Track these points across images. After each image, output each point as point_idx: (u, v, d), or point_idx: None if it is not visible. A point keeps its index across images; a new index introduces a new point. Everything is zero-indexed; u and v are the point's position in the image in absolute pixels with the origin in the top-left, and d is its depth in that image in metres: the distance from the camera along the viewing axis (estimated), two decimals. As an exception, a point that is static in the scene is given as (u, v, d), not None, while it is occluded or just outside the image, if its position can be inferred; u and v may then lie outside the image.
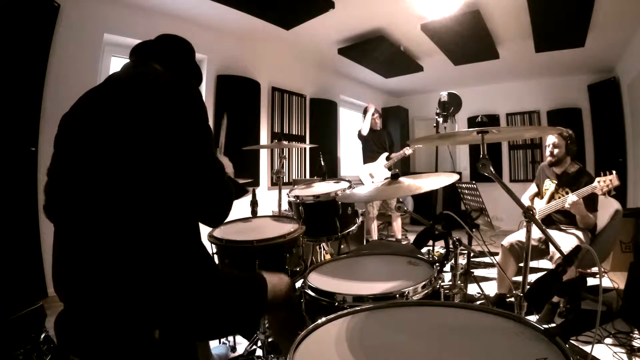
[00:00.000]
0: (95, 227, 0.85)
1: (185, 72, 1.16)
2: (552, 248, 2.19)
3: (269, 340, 1.76)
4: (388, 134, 4.86)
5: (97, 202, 0.85)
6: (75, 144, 0.91)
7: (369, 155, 4.58)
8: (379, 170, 4.48)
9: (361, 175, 4.62)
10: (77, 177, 0.88)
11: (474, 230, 1.54)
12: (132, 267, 0.83)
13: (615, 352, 1.82)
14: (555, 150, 2.36)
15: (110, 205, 0.84)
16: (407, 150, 4.35)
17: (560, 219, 2.39)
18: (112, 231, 0.84)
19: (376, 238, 4.48)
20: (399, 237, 4.58)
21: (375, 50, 4.39)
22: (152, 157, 0.85)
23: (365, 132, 4.55)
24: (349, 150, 6.26)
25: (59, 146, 0.95)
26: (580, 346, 1.89)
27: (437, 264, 1.24)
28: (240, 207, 2.61)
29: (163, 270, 0.86)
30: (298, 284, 1.41)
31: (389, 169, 4.48)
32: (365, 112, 4.63)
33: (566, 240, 2.16)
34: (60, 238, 0.90)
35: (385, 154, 4.51)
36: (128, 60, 1.11)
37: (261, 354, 1.82)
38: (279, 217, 1.97)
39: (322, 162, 2.50)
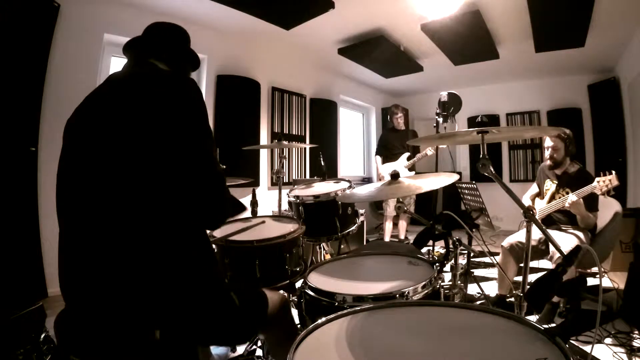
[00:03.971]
0: (97, 228, 0.85)
1: (184, 61, 1.15)
2: (552, 248, 2.19)
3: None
4: (413, 134, 4.84)
5: (100, 204, 0.85)
6: (80, 147, 0.91)
7: (390, 155, 4.57)
8: (399, 170, 4.46)
9: (382, 173, 4.62)
10: (82, 180, 0.88)
11: (474, 230, 1.55)
12: (133, 267, 0.83)
13: (615, 352, 1.82)
14: (555, 154, 2.35)
15: (114, 208, 0.84)
16: (429, 151, 4.23)
17: (561, 218, 2.39)
18: (114, 232, 0.84)
19: (388, 239, 4.46)
20: (402, 237, 4.58)
21: (375, 50, 4.39)
22: (154, 160, 0.85)
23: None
24: (349, 150, 6.26)
25: (66, 151, 0.95)
26: (580, 346, 1.89)
27: (437, 264, 1.24)
28: (240, 207, 2.59)
29: (163, 270, 0.86)
30: (298, 284, 1.41)
31: (410, 169, 4.46)
32: (391, 113, 4.62)
33: (566, 240, 2.16)
34: (65, 238, 0.90)
35: (407, 154, 4.49)
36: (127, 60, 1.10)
37: (261, 354, 1.82)
38: (279, 217, 1.96)
39: (322, 162, 2.49)
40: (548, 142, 2.39)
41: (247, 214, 2.00)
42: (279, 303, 1.13)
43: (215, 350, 1.91)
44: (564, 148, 2.33)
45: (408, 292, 1.05)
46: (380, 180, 4.42)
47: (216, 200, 0.95)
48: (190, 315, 0.89)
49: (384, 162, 4.62)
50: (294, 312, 1.31)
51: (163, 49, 1.10)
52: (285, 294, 1.25)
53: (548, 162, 2.42)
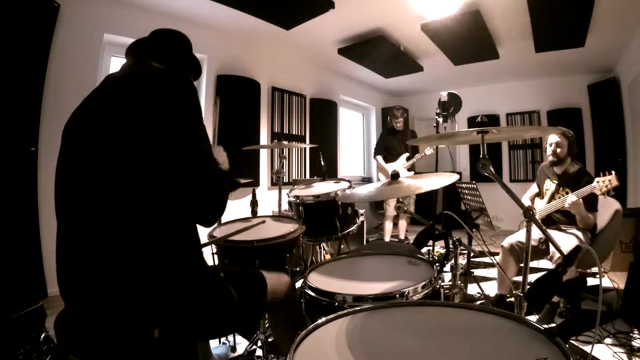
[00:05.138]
0: (95, 227, 0.85)
1: (184, 66, 1.16)
2: (552, 248, 2.19)
3: (269, 340, 1.77)
4: (412, 134, 4.83)
5: (97, 204, 0.85)
6: (77, 148, 0.91)
7: (389, 156, 4.56)
8: (398, 170, 4.45)
9: (381, 175, 4.61)
10: (79, 179, 0.88)
11: (474, 230, 1.55)
12: (132, 266, 0.83)
13: (615, 352, 1.82)
14: (558, 150, 2.34)
15: (111, 207, 0.84)
16: (428, 151, 4.23)
17: (561, 219, 2.39)
18: (113, 231, 0.84)
19: (388, 239, 4.46)
20: (402, 237, 4.58)
21: (375, 50, 4.39)
22: (151, 159, 0.86)
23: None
24: (349, 150, 6.26)
25: (63, 151, 0.95)
26: (580, 346, 1.89)
27: (437, 264, 1.24)
28: (240, 207, 2.61)
29: (162, 269, 0.86)
30: (298, 284, 1.41)
31: (409, 169, 4.46)
32: (392, 115, 4.59)
33: (566, 240, 2.16)
34: (63, 237, 0.90)
35: (406, 155, 4.48)
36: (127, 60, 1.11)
37: (261, 354, 1.83)
38: (279, 217, 1.96)
39: (322, 162, 2.49)
40: (552, 138, 2.37)
41: (247, 214, 2.01)
42: (281, 285, 1.14)
43: (216, 350, 1.91)
44: (568, 146, 2.33)
45: (408, 292, 1.05)
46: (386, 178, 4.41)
47: (211, 197, 0.95)
48: (189, 312, 0.89)
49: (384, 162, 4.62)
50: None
51: (162, 52, 1.10)
52: (289, 278, 1.26)
53: (550, 159, 2.41)
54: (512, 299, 1.62)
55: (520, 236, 2.36)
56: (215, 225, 1.71)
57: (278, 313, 1.19)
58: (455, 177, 1.23)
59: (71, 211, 0.90)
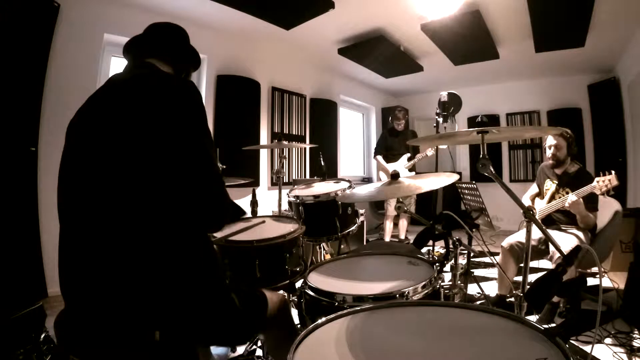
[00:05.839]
0: (98, 228, 0.85)
1: (183, 59, 1.16)
2: (552, 248, 2.19)
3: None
4: (413, 134, 4.84)
5: (101, 205, 0.85)
6: (82, 148, 0.91)
7: (390, 156, 4.56)
8: (400, 170, 4.45)
9: (382, 174, 4.62)
10: (83, 180, 0.88)
11: (474, 230, 1.54)
12: (134, 268, 0.83)
13: (615, 352, 1.82)
14: (557, 152, 2.35)
15: (114, 209, 0.84)
16: (429, 152, 4.22)
17: (561, 218, 2.39)
18: (115, 232, 0.84)
19: (388, 239, 4.46)
20: (403, 237, 4.58)
21: (375, 50, 4.39)
22: (154, 162, 0.85)
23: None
24: (349, 150, 6.26)
25: (67, 151, 0.95)
26: (580, 346, 1.89)
27: (437, 264, 1.24)
28: (240, 207, 2.57)
29: (165, 271, 0.86)
30: (298, 284, 1.41)
31: (410, 169, 4.45)
32: (394, 116, 4.57)
33: (566, 240, 2.16)
34: (65, 237, 0.90)
35: (407, 155, 4.48)
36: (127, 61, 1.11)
37: (261, 354, 1.82)
38: (279, 217, 1.96)
39: (322, 162, 2.49)
40: (551, 141, 2.38)
41: (247, 214, 2.01)
42: (279, 303, 1.13)
43: (215, 350, 1.91)
44: (567, 147, 2.33)
45: (408, 292, 1.05)
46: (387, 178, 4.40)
47: (216, 202, 0.95)
48: (191, 316, 0.89)
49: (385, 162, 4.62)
50: (294, 312, 1.31)
51: (163, 48, 1.10)
52: (285, 295, 1.25)
53: (550, 162, 2.41)
54: (512, 299, 1.62)
55: (520, 236, 2.36)
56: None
57: (271, 330, 1.16)
58: (455, 177, 1.24)
59: (74, 211, 0.89)
